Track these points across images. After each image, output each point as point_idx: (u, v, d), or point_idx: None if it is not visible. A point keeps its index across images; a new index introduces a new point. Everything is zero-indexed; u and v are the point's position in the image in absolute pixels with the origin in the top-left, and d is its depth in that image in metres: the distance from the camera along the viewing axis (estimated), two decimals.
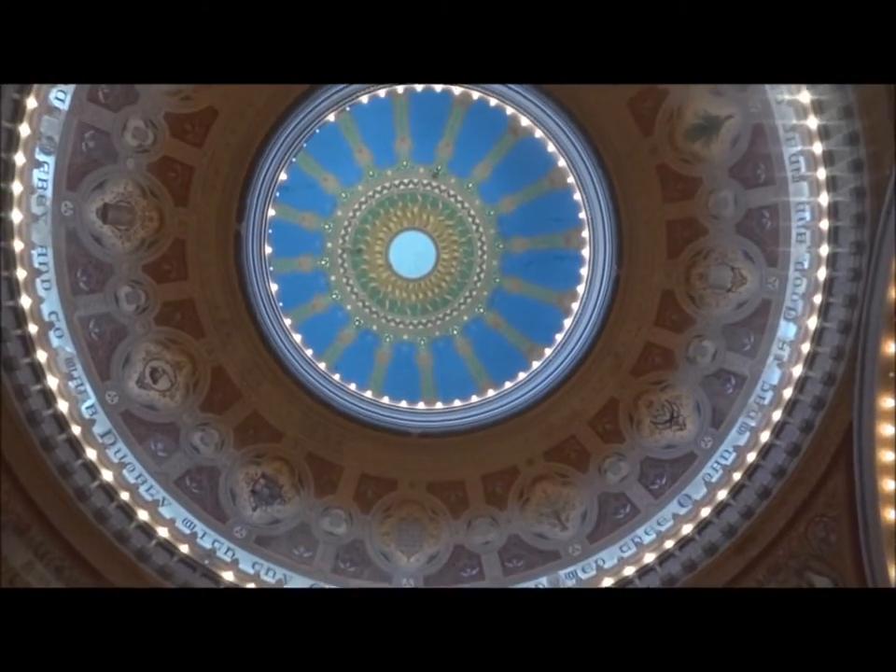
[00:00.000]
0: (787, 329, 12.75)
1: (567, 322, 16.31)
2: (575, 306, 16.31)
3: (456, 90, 15.93)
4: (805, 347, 12.00)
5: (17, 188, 10.63)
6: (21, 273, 10.77)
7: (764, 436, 12.25)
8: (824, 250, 11.56)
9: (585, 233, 16.37)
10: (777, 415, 12.19)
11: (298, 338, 16.38)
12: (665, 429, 14.39)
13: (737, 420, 13.25)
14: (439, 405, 17.19)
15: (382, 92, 15.76)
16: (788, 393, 12.15)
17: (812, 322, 11.91)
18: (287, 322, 16.23)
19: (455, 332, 21.36)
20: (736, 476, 12.38)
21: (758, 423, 12.71)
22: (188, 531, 12.54)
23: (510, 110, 15.63)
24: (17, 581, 10.07)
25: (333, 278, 20.77)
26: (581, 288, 16.32)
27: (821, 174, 11.39)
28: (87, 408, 12.13)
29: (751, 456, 12.28)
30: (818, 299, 11.84)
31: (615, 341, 14.85)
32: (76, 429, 11.35)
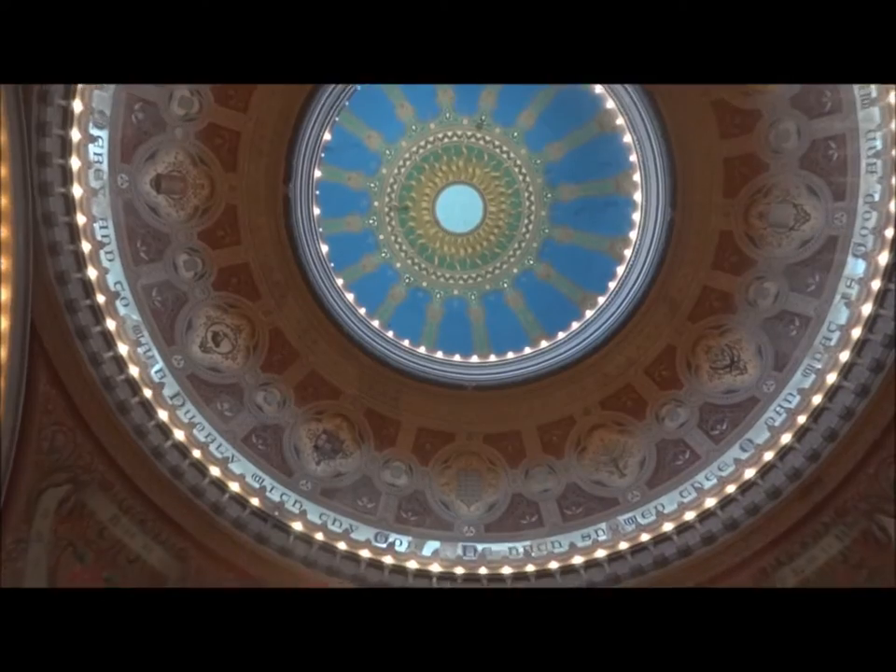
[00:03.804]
0: (855, 266, 12.13)
1: (620, 269, 15.97)
2: (628, 253, 15.92)
3: None
4: (876, 284, 11.40)
5: (75, 163, 10.97)
6: (86, 246, 11.20)
7: (831, 377, 11.81)
8: None
9: (637, 177, 15.82)
10: (844, 356, 11.71)
11: (350, 297, 16.62)
12: (726, 374, 14.06)
13: (802, 362, 12.81)
14: (492, 358, 17.24)
15: None
16: (856, 333, 11.63)
17: (883, 257, 11.29)
18: (339, 282, 16.46)
19: (505, 285, 21.25)
20: (801, 419, 12.04)
21: (824, 364, 12.25)
22: (257, 485, 13.13)
23: None
24: (105, 533, 10.83)
25: (381, 237, 20.87)
26: (633, 234, 15.88)
27: (893, 97, 10.62)
28: (156, 372, 12.70)
29: (817, 399, 11.89)
30: (889, 232, 11.18)
31: (670, 286, 14.47)
32: (147, 393, 11.91)
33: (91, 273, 11.27)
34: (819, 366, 12.35)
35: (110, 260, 12.13)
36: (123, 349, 11.68)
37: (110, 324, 11.51)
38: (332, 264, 16.29)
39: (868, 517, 11.00)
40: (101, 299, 11.40)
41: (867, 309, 11.48)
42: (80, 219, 11.12)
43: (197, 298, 13.86)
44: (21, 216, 9.55)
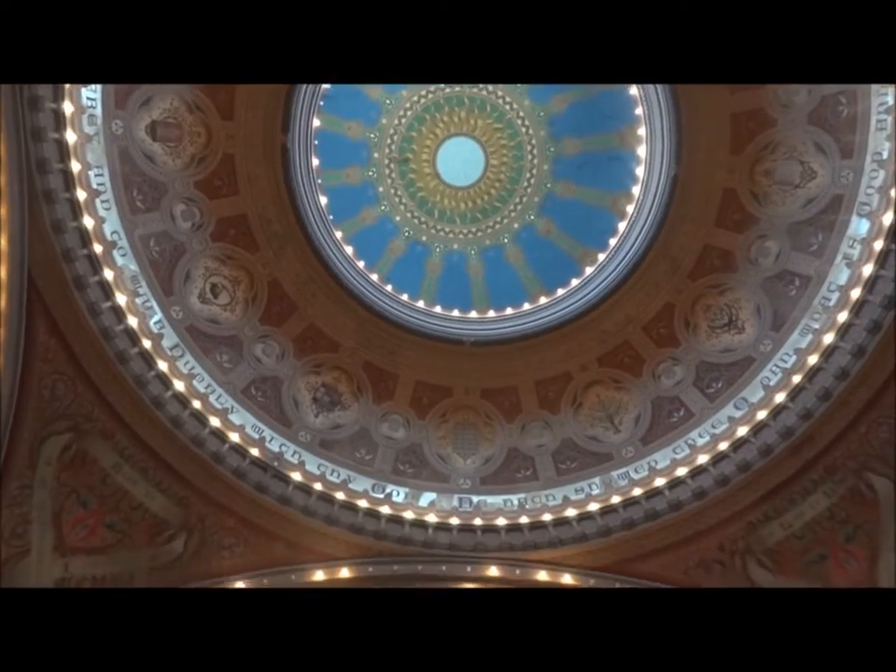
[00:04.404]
0: (859, 226, 12.03)
1: (622, 226, 15.80)
2: (630, 209, 15.72)
3: None
4: (878, 245, 11.33)
5: (68, 108, 10.70)
6: (81, 194, 11.04)
7: (828, 338, 11.86)
8: None
9: (642, 131, 15.50)
10: (842, 317, 11.73)
11: (349, 250, 16.50)
12: (723, 333, 14.11)
13: (800, 322, 12.84)
14: (491, 313, 17.25)
15: None
16: (856, 293, 11.62)
17: (887, 218, 11.18)
18: (338, 235, 16.31)
19: (505, 240, 21.08)
20: (796, 379, 12.14)
21: (822, 325, 12.28)
22: (256, 436, 13.30)
23: None
24: (107, 480, 11.04)
25: (381, 189, 20.58)
26: (636, 190, 15.65)
27: None
28: (154, 323, 12.70)
29: (813, 359, 11.97)
30: (895, 192, 11.06)
31: (672, 244, 14.37)
32: (146, 343, 11.94)
33: (88, 221, 11.14)
34: (817, 326, 12.39)
35: (106, 209, 11.98)
36: (121, 299, 11.65)
37: (108, 274, 11.44)
38: (331, 217, 16.11)
39: (856, 475, 11.22)
40: (98, 248, 11.30)
41: (868, 270, 11.44)
42: (75, 166, 10.92)
43: (195, 249, 13.76)
44: (14, 162, 9.39)
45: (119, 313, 11.52)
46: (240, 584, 11.50)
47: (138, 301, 12.36)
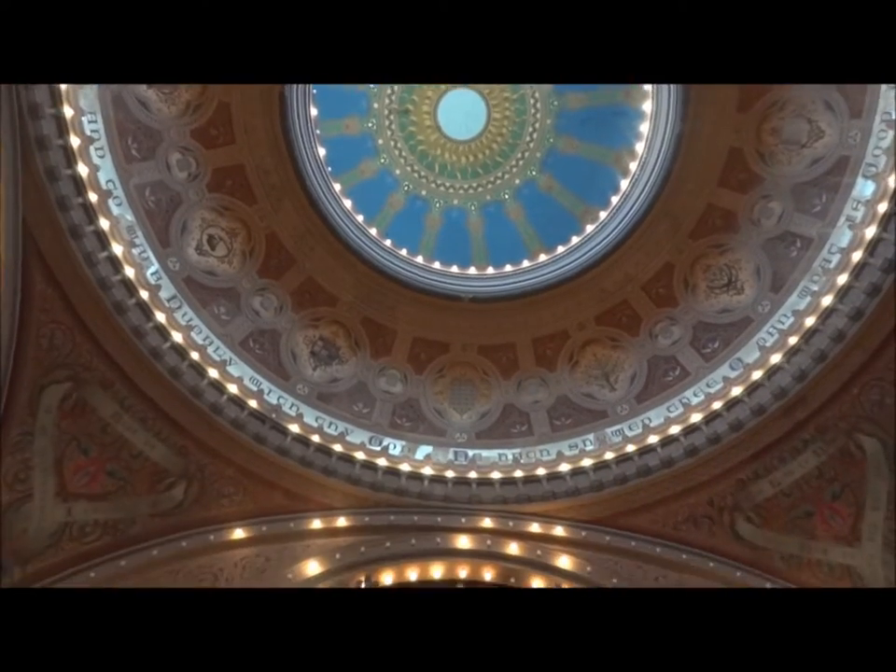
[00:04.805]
0: (864, 188, 11.90)
1: (624, 183, 15.61)
2: (633, 166, 15.49)
3: None
4: (882, 207, 11.24)
5: None
6: (74, 141, 10.82)
7: (826, 300, 11.87)
8: None
9: (648, 86, 15.16)
10: (842, 279, 11.72)
11: (348, 203, 16.30)
12: (722, 294, 14.11)
13: (799, 284, 12.84)
14: (490, 270, 17.18)
15: None
16: (857, 256, 11.57)
17: (893, 180, 11.05)
18: (337, 187, 16.09)
19: (506, 196, 20.84)
20: (792, 340, 12.20)
21: (821, 287, 12.27)
22: (255, 388, 13.39)
23: None
24: (108, 429, 11.16)
25: (381, 141, 20.21)
26: (640, 147, 15.38)
27: None
28: (152, 274, 12.64)
29: (810, 321, 12.00)
30: None
31: (674, 202, 14.22)
32: (144, 294, 11.89)
33: (82, 169, 10.95)
34: (816, 288, 12.38)
35: (101, 157, 11.76)
36: (118, 249, 11.55)
37: (103, 223, 11.31)
38: (329, 169, 15.85)
39: (847, 435, 11.40)
40: (93, 197, 11.15)
41: (870, 232, 11.37)
42: (67, 112, 10.67)
43: (191, 199, 13.59)
44: (5, 107, 9.17)
45: (115, 263, 11.44)
46: (239, 531, 11.76)
47: (135, 251, 12.26)
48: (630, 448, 13.20)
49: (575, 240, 16.22)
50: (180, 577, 10.51)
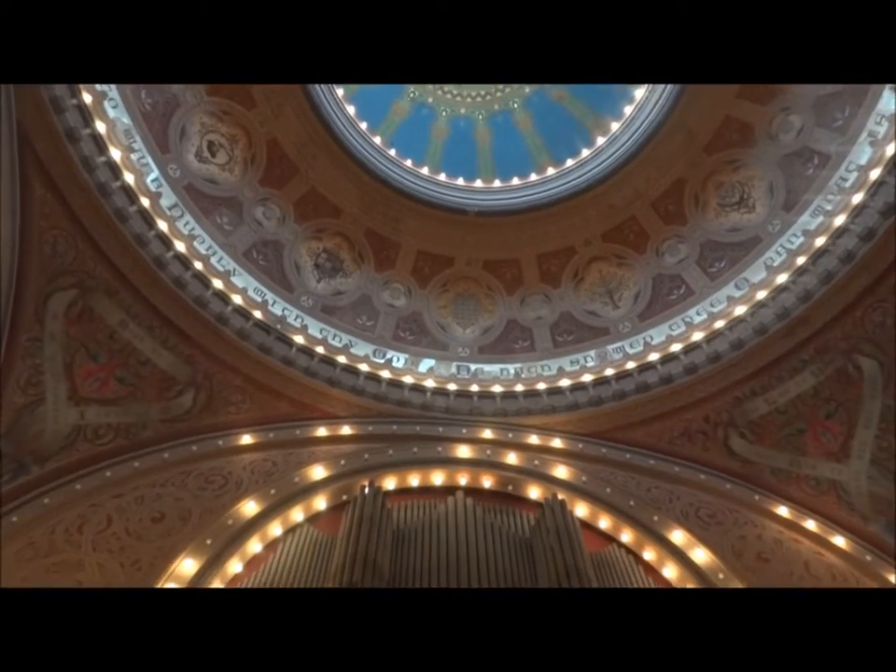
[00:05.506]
0: (889, 101, 11.40)
1: (639, 93, 14.96)
2: None
3: None
4: None
5: None
6: None
7: (839, 220, 11.64)
8: None
9: None
10: (857, 198, 11.44)
11: (351, 110, 15.73)
12: (732, 212, 13.84)
13: (812, 203, 12.56)
14: (496, 183, 16.79)
15: None
16: (875, 174, 11.25)
17: None
18: (339, 93, 15.47)
19: (515, 106, 20.03)
20: (800, 260, 12.07)
21: (834, 206, 12.00)
22: (259, 299, 13.43)
23: None
24: (115, 336, 11.29)
25: None
26: None
27: None
28: (152, 181, 12.39)
29: (820, 241, 11.82)
30: None
31: (690, 114, 13.69)
32: (145, 201, 11.71)
33: None
34: (829, 207, 12.12)
35: None
36: (116, 154, 11.27)
37: (100, 126, 10.97)
38: None
39: (846, 356, 11.49)
40: (87, 98, 10.75)
41: (891, 149, 11.00)
42: None
43: (189, 102, 13.12)
44: None
45: (114, 168, 11.18)
46: (247, 437, 12.15)
47: (133, 156, 11.95)
48: (630, 365, 13.37)
49: (585, 153, 15.74)
50: (191, 478, 10.91)
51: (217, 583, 9.17)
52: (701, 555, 10.53)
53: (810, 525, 11.50)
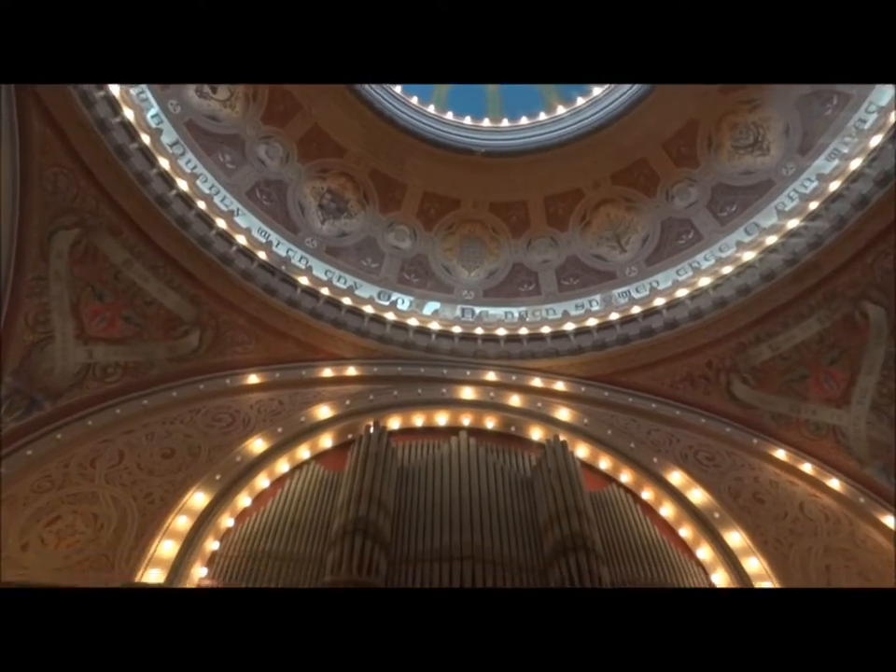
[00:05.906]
0: None
1: None
2: None
3: None
4: None
5: None
6: None
7: (855, 163, 11.36)
8: None
9: None
10: (875, 140, 11.13)
11: None
12: (746, 154, 13.51)
13: (829, 146, 12.23)
14: (504, 123, 16.35)
15: None
16: (895, 116, 10.91)
17: None
18: None
19: None
20: (813, 205, 11.84)
21: (851, 149, 11.69)
22: (263, 240, 13.34)
23: None
24: (120, 276, 11.30)
25: None
26: None
27: None
28: (152, 117, 12.13)
29: (834, 185, 11.57)
30: None
31: None
32: (145, 138, 11.49)
33: None
34: (846, 150, 11.81)
35: None
36: (115, 88, 10.99)
37: None
38: None
39: (853, 303, 11.42)
40: None
41: None
42: None
43: None
44: None
45: (113, 103, 10.93)
46: (254, 377, 12.30)
47: (133, 91, 11.67)
48: (636, 310, 13.35)
49: (596, 91, 15.27)
50: (199, 416, 11.11)
51: (226, 516, 9.46)
52: (698, 495, 10.79)
53: (807, 467, 11.72)
